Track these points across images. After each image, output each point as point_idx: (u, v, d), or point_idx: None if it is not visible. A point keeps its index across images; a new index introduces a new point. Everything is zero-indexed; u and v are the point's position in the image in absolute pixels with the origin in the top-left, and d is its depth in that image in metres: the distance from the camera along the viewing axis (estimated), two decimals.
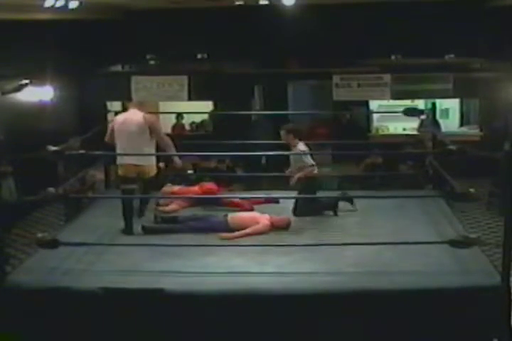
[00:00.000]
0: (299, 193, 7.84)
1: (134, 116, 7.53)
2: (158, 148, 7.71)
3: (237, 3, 13.53)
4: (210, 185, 8.45)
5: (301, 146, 7.94)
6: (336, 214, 7.96)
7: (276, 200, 8.32)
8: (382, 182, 11.46)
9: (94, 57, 13.72)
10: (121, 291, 5.84)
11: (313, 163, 7.95)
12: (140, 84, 14.54)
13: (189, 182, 9.75)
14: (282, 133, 8.04)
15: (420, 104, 15.15)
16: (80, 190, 10.23)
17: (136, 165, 7.44)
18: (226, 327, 5.80)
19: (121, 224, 7.49)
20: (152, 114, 7.96)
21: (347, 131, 13.81)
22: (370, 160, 12.38)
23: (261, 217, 7.38)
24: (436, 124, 13.50)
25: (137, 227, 7.50)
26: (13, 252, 9.22)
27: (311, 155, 8.07)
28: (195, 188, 8.43)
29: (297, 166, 7.91)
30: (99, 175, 10.36)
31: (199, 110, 15.36)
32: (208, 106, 15.27)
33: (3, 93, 6.24)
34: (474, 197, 6.23)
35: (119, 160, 7.52)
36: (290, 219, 7.53)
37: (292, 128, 8.09)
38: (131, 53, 14.89)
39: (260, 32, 14.19)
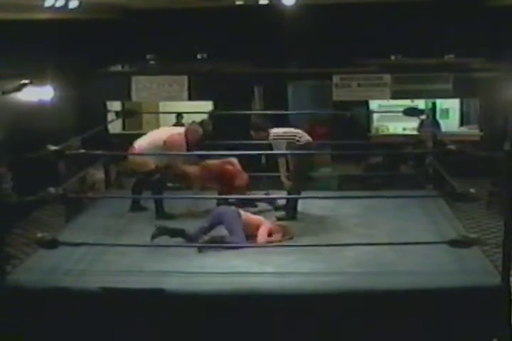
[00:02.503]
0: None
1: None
2: None
3: (237, 3, 13.53)
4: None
5: (273, 130, 7.92)
6: None
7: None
8: (382, 182, 11.47)
9: (94, 57, 13.73)
10: (121, 291, 5.84)
11: (296, 137, 7.87)
12: (140, 84, 14.55)
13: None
14: (252, 133, 8.00)
15: (420, 104, 15.14)
16: (80, 189, 10.23)
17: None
18: (226, 327, 5.80)
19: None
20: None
21: (347, 131, 13.81)
22: (371, 161, 12.39)
23: (262, 219, 7.32)
24: (436, 124, 13.52)
25: (135, 228, 7.54)
26: (13, 252, 9.21)
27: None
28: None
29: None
30: (99, 174, 10.36)
31: (199, 110, 15.35)
32: (208, 106, 15.27)
33: (3, 93, 6.24)
34: (474, 197, 6.23)
35: None
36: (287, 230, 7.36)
37: (256, 124, 8.09)
38: (131, 53, 14.89)
39: (260, 32, 14.19)
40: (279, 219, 7.70)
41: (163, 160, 7.98)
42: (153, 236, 6.89)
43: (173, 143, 7.92)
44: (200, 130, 8.26)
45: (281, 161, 7.87)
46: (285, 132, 7.95)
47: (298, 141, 7.87)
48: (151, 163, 7.94)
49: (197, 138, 8.16)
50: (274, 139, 7.85)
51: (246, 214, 7.19)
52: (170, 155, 7.92)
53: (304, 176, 8.02)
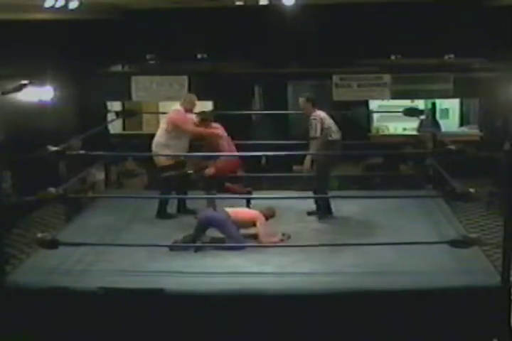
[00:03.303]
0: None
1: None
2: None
3: (237, 3, 13.51)
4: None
5: (321, 113, 7.90)
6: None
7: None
8: (382, 183, 11.46)
9: (94, 57, 13.72)
10: (121, 291, 5.84)
11: (331, 130, 7.86)
12: (140, 84, 14.54)
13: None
14: (301, 101, 7.98)
15: (420, 104, 15.13)
16: (80, 189, 10.24)
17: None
18: (226, 327, 5.80)
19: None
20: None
21: (347, 131, 13.79)
22: (370, 161, 12.38)
23: (255, 214, 7.29)
24: (436, 124, 13.53)
25: (137, 227, 7.54)
26: (13, 252, 9.23)
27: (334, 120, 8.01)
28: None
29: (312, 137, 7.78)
30: (99, 175, 10.36)
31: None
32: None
33: (3, 93, 6.24)
34: (474, 197, 6.24)
35: None
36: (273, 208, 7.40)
37: (311, 97, 8.04)
38: (131, 53, 14.87)
39: (260, 32, 14.18)
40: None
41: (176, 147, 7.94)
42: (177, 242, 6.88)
43: (175, 122, 7.97)
44: (195, 97, 8.34)
45: (314, 143, 7.75)
46: (325, 120, 7.84)
47: (330, 136, 7.85)
48: (163, 160, 7.95)
49: (194, 105, 8.27)
50: (314, 119, 7.77)
51: (235, 212, 7.15)
52: (175, 150, 7.94)
53: (326, 175, 7.97)
